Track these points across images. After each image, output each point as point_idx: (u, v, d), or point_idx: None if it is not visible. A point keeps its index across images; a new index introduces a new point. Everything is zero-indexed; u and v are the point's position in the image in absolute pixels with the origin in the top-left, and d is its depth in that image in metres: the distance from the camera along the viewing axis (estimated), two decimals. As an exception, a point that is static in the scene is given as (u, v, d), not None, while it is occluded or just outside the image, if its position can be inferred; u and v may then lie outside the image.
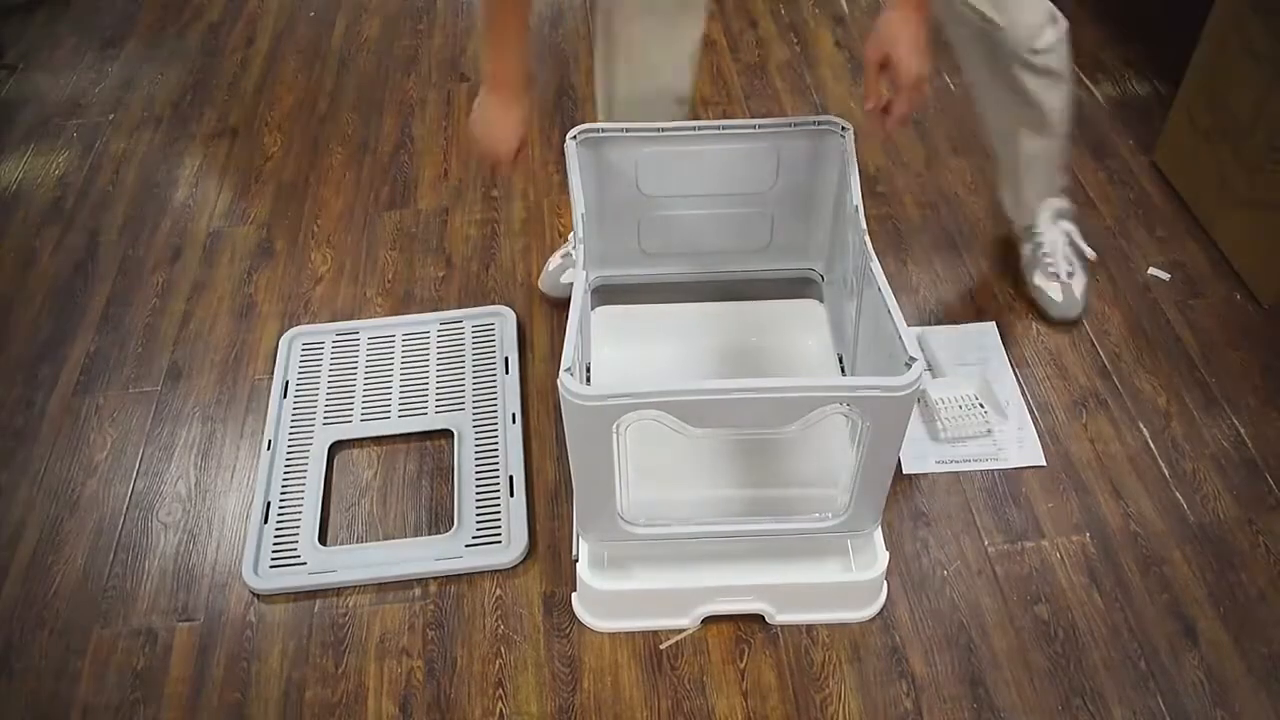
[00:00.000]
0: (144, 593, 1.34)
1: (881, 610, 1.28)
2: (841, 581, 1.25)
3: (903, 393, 0.98)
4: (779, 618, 1.26)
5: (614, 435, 1.03)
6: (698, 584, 1.24)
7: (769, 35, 2.28)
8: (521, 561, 1.32)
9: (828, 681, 1.22)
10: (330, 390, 1.53)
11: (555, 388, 1.00)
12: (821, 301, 1.52)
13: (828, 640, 1.26)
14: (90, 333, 1.68)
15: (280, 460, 1.44)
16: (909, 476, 1.43)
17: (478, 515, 1.36)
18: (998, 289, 1.68)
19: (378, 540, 1.37)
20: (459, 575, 1.33)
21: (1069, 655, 1.24)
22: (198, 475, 1.47)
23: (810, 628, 1.27)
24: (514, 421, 1.46)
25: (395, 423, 1.49)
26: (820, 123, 1.31)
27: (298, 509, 1.39)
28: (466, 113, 2.09)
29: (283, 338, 1.61)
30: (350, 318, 1.67)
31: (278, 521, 1.37)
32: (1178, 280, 1.68)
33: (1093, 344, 1.59)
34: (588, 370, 1.41)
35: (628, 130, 1.30)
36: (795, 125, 1.31)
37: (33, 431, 1.54)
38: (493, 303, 1.68)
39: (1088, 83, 2.09)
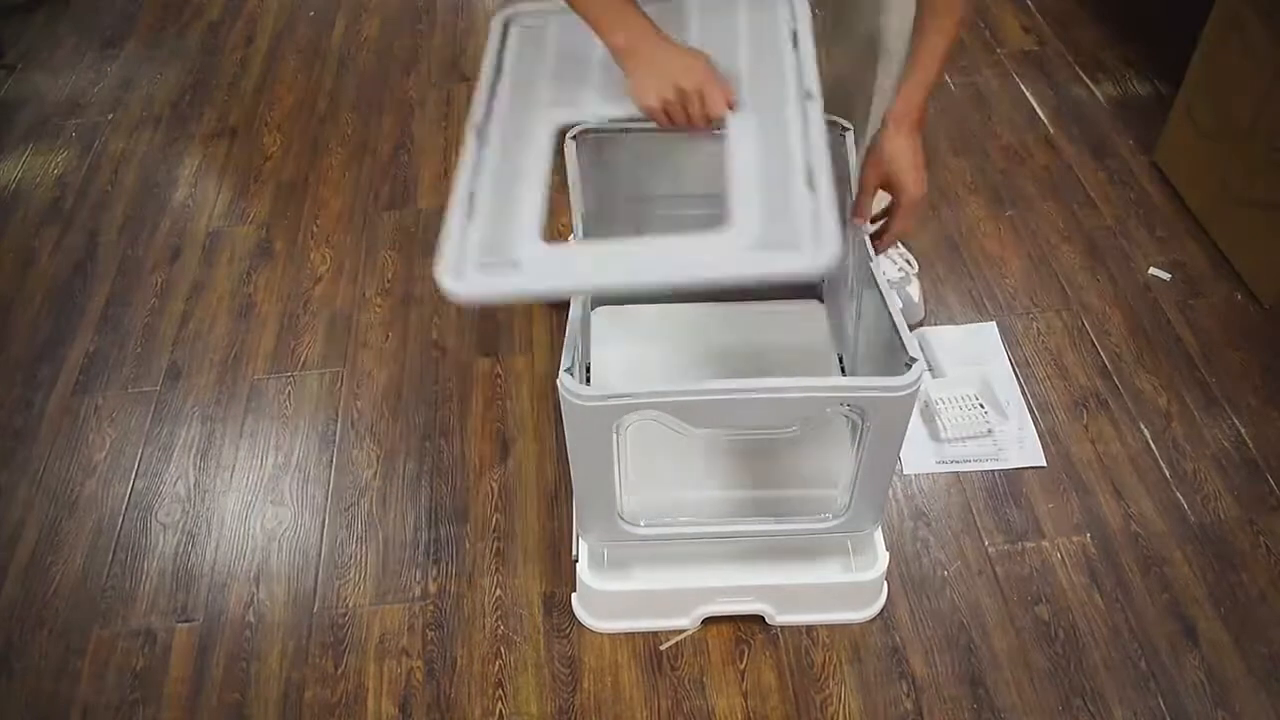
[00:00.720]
0: (143, 593, 1.34)
1: (882, 611, 1.28)
2: (841, 582, 1.25)
3: (903, 393, 0.98)
4: (779, 618, 1.26)
5: (614, 435, 1.03)
6: (697, 584, 1.24)
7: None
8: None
9: (828, 682, 1.22)
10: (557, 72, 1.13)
11: (555, 388, 0.99)
12: (821, 301, 1.51)
13: (828, 641, 1.26)
14: (89, 333, 1.68)
15: (494, 148, 1.06)
16: (909, 476, 1.43)
17: (764, 213, 0.94)
18: (998, 288, 1.68)
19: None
20: (457, 577, 1.33)
21: (1069, 655, 1.24)
22: (197, 475, 1.47)
23: (810, 628, 1.27)
24: (809, 97, 1.04)
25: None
26: None
27: (508, 201, 1.00)
28: (466, 113, 2.09)
29: (494, 19, 1.22)
30: (350, 317, 1.67)
31: (484, 215, 0.98)
32: (1178, 280, 1.68)
33: (1093, 344, 1.59)
34: (588, 370, 1.41)
35: (626, 129, 1.29)
36: None
37: (32, 431, 1.54)
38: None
39: (1088, 82, 2.09)
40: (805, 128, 0.98)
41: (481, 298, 0.88)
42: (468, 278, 0.90)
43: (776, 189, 0.91)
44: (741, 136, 0.97)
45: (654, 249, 0.92)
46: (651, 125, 1.11)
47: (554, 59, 1.10)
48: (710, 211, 1.30)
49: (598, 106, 1.05)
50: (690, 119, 0.98)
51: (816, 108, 1.00)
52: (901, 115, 1.12)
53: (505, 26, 1.18)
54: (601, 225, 1.38)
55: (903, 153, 1.12)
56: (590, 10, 0.97)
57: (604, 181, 1.33)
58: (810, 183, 0.92)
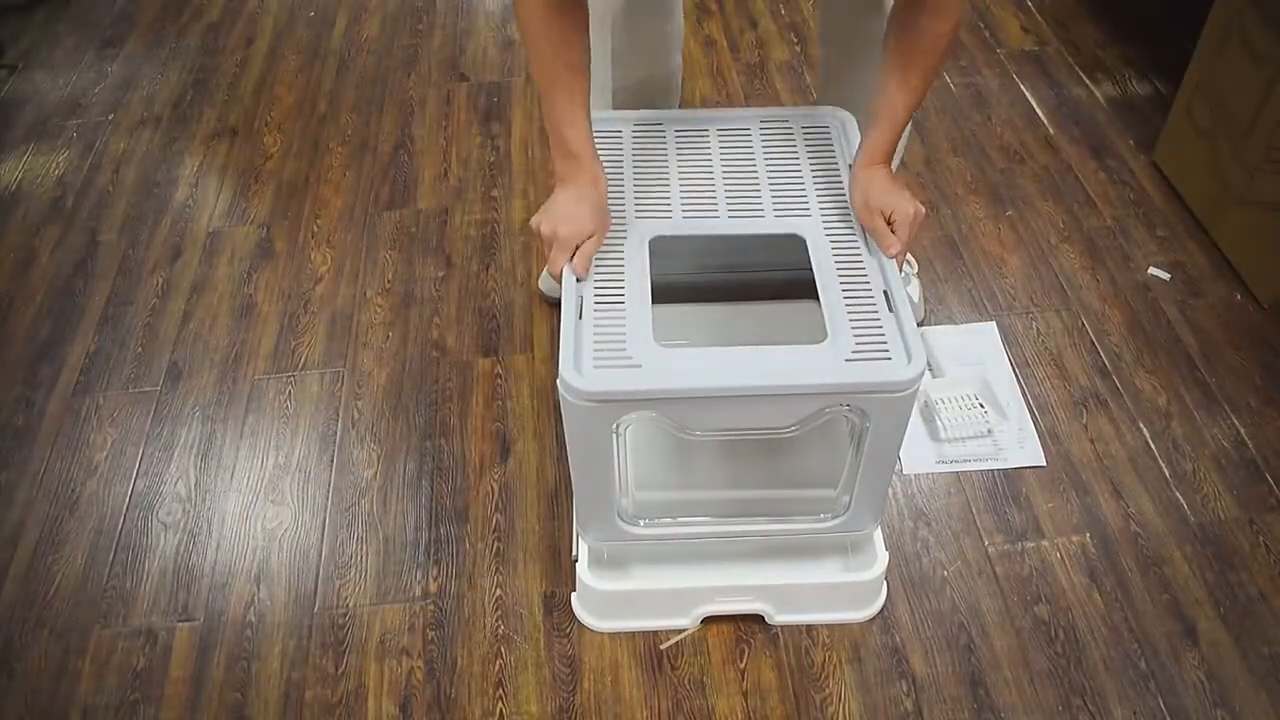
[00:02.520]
0: (144, 593, 1.34)
1: (881, 610, 1.28)
2: (841, 582, 1.25)
3: (902, 392, 0.98)
4: (778, 618, 1.26)
5: (613, 435, 1.03)
6: (697, 584, 1.24)
7: (769, 35, 2.28)
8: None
9: (828, 682, 1.22)
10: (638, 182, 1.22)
11: (555, 388, 1.00)
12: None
13: (828, 640, 1.26)
14: (90, 333, 1.68)
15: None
16: (909, 476, 1.43)
17: (853, 328, 1.05)
18: (998, 289, 1.68)
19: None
20: (460, 570, 1.33)
21: (1069, 655, 1.24)
22: (197, 475, 1.47)
23: (810, 628, 1.27)
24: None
25: (724, 222, 1.18)
26: (820, 114, 1.30)
27: (619, 303, 1.07)
28: (466, 112, 2.09)
29: None
30: (350, 317, 1.68)
31: (596, 318, 1.05)
32: (1178, 280, 1.68)
33: (1093, 344, 1.59)
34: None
35: (633, 125, 1.29)
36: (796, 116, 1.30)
37: (32, 431, 1.54)
38: (493, 303, 1.68)
39: (1088, 82, 2.09)
40: (878, 254, 1.11)
41: (602, 395, 0.98)
42: (588, 375, 0.99)
43: (860, 308, 1.06)
44: (822, 261, 1.11)
45: (767, 356, 1.02)
46: (652, 115, 1.29)
47: (632, 166, 1.23)
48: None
49: (680, 219, 1.16)
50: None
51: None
52: (869, 166, 1.11)
53: None
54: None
55: (883, 189, 1.10)
56: (550, 127, 1.08)
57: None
58: (889, 305, 1.06)
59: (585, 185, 1.08)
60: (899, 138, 1.13)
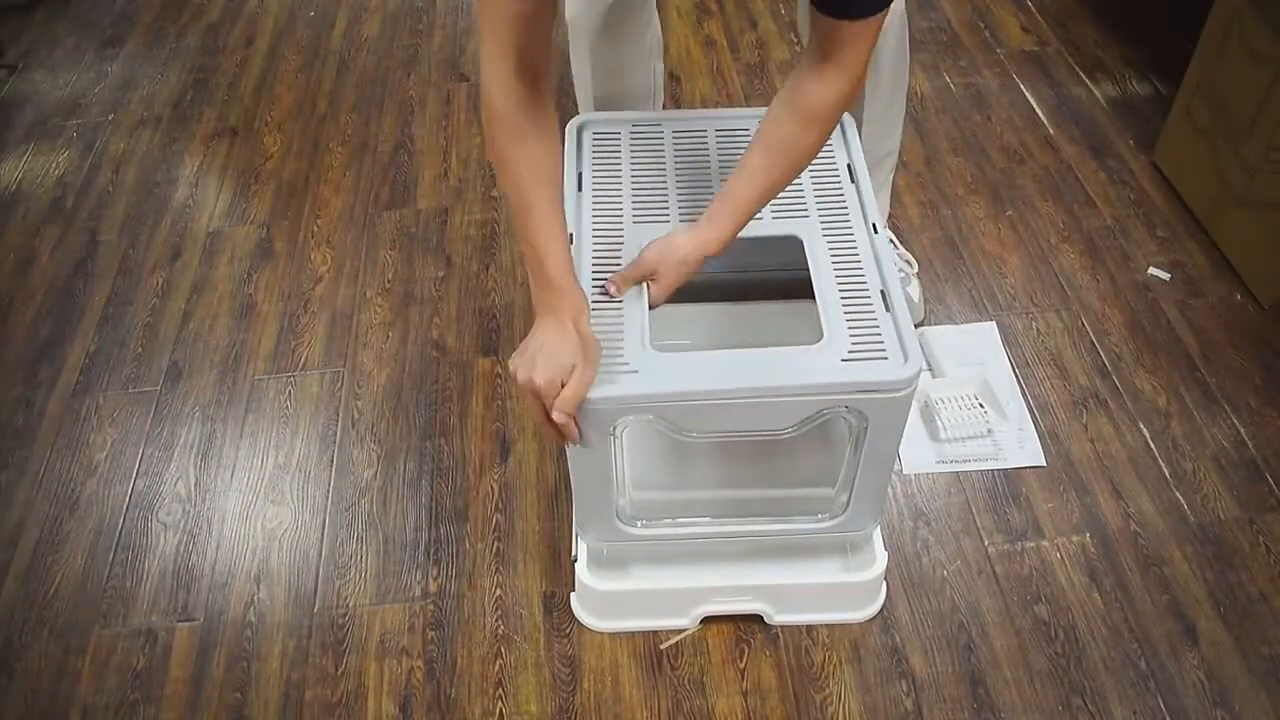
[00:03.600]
0: (144, 593, 1.34)
1: (881, 610, 1.28)
2: (840, 582, 1.25)
3: (901, 393, 0.98)
4: (778, 618, 1.26)
5: (611, 436, 1.03)
6: (696, 584, 1.24)
7: (769, 35, 2.28)
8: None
9: (828, 682, 1.22)
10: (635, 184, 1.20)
11: (555, 388, 0.99)
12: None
13: (828, 640, 1.26)
14: (90, 333, 1.68)
15: (587, 257, 1.12)
16: (909, 476, 1.43)
17: (850, 328, 1.04)
18: (998, 288, 1.68)
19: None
20: (454, 572, 1.33)
21: (1069, 655, 1.24)
22: (197, 475, 1.47)
23: (810, 628, 1.27)
24: (874, 231, 1.15)
25: None
26: None
27: (616, 308, 1.06)
28: (466, 112, 2.09)
29: (569, 125, 1.28)
30: (350, 317, 1.68)
31: (594, 323, 1.02)
32: (1178, 280, 1.68)
33: (1093, 344, 1.59)
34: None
35: (631, 126, 1.29)
36: None
37: (32, 431, 1.54)
38: (493, 303, 1.68)
39: (1088, 82, 2.09)
40: (875, 255, 1.10)
41: (599, 399, 0.97)
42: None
43: (856, 309, 1.05)
44: (820, 261, 1.10)
45: (762, 358, 1.02)
46: (650, 116, 1.28)
47: (629, 169, 1.21)
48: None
49: (678, 222, 1.15)
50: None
51: (882, 238, 1.12)
52: (703, 244, 1.03)
53: (579, 133, 1.26)
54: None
55: (661, 255, 1.03)
56: (525, 250, 0.97)
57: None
58: (886, 304, 1.05)
59: (564, 314, 0.95)
60: (744, 221, 1.04)
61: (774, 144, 1.01)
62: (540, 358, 0.93)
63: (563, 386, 0.93)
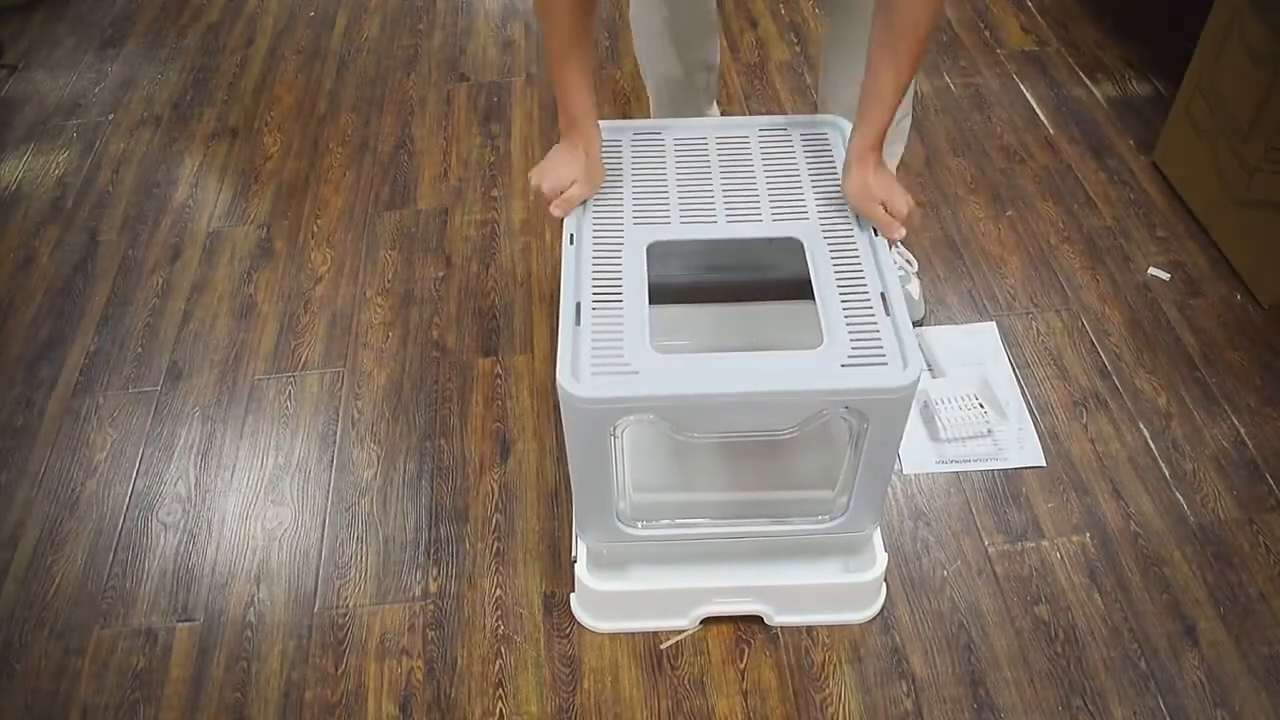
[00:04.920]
0: (144, 593, 1.34)
1: (881, 610, 1.28)
2: (840, 583, 1.25)
3: (901, 393, 0.98)
4: (778, 619, 1.26)
5: (611, 437, 1.03)
6: (696, 585, 1.24)
7: (769, 35, 2.28)
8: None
9: (828, 682, 1.22)
10: (636, 190, 1.23)
11: (555, 388, 1.00)
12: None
13: (828, 641, 1.26)
14: (90, 333, 1.68)
15: (588, 258, 1.15)
16: (909, 476, 1.43)
17: (850, 332, 1.05)
18: (998, 289, 1.68)
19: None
20: (459, 577, 1.33)
21: (1069, 655, 1.24)
22: (197, 475, 1.47)
23: (810, 628, 1.27)
24: (876, 233, 1.16)
25: (722, 227, 1.18)
26: (820, 123, 1.30)
27: (617, 309, 1.08)
28: (466, 112, 2.09)
29: None
30: (350, 317, 1.68)
31: (594, 324, 1.06)
32: (1178, 280, 1.68)
33: (1093, 344, 1.59)
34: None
35: (633, 134, 1.29)
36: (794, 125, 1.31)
37: (32, 431, 1.54)
38: (493, 303, 1.68)
39: (1088, 82, 2.09)
40: (875, 257, 1.10)
41: (600, 400, 0.99)
42: (585, 381, 0.99)
43: (857, 312, 1.05)
44: (820, 264, 1.10)
45: (763, 362, 1.02)
46: (649, 124, 1.33)
47: (630, 174, 1.24)
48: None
49: (679, 224, 1.17)
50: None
51: (882, 240, 1.12)
52: (863, 154, 1.13)
53: None
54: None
55: (880, 180, 1.12)
56: (557, 91, 1.16)
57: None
58: (886, 309, 1.05)
59: (577, 142, 1.17)
60: (890, 121, 1.13)
61: (889, 26, 1.08)
62: (549, 169, 1.17)
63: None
